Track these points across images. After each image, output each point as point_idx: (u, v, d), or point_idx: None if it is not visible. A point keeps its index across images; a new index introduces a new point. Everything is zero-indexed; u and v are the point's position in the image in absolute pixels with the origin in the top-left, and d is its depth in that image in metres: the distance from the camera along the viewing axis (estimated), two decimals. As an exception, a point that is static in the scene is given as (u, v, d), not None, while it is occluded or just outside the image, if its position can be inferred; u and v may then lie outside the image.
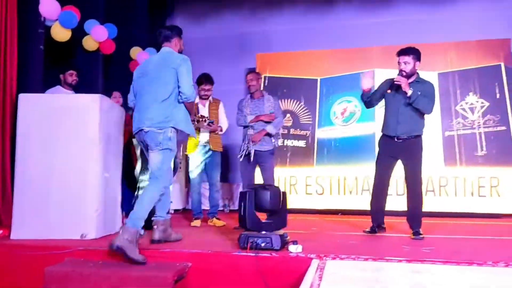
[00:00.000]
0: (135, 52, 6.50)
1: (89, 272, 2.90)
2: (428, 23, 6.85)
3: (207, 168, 5.12)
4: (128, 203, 4.64)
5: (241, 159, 4.81)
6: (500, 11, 6.73)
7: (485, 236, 4.23)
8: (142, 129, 3.45)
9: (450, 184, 6.24)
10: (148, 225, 3.49)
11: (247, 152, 4.74)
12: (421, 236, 3.90)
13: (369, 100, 4.23)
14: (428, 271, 2.70)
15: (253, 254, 2.97)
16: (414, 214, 4.02)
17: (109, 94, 4.92)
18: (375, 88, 4.32)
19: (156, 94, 3.46)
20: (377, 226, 4.18)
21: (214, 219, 5.04)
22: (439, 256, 2.98)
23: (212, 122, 4.88)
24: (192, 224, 4.99)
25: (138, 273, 2.83)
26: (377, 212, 4.19)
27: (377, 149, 4.30)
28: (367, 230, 4.20)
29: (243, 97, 5.00)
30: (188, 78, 3.49)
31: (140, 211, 3.22)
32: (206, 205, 5.43)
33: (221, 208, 6.90)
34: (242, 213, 3.23)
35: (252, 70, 5.17)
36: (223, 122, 5.22)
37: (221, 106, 5.31)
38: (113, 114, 4.06)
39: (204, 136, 5.10)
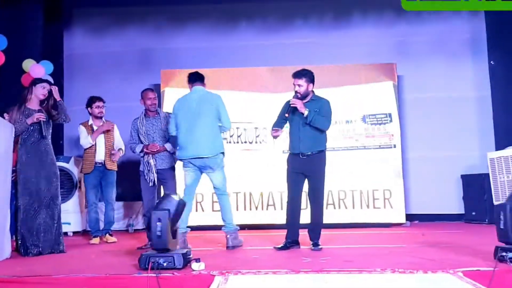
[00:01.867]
0: (28, 64, 6.08)
1: (-32, 305, 2.63)
2: (323, 46, 7.30)
3: (103, 187, 5.29)
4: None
5: (150, 184, 4.68)
6: (387, 38, 7.41)
7: (376, 245, 4.56)
8: (203, 157, 4.27)
9: (348, 197, 6.64)
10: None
11: (153, 178, 4.64)
12: (319, 247, 4.09)
13: (274, 136, 4.32)
14: (324, 280, 2.84)
15: (154, 275, 2.90)
16: (315, 227, 4.20)
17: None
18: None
19: (205, 127, 4.31)
20: (292, 242, 4.17)
21: (107, 235, 5.25)
22: (334, 266, 3.16)
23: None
24: (91, 242, 5.09)
25: (27, 302, 2.61)
26: (292, 228, 4.20)
27: (281, 166, 4.46)
28: (278, 246, 4.16)
29: (137, 116, 4.87)
30: (226, 112, 4.41)
31: (231, 217, 4.42)
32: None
33: (126, 228, 6.65)
34: (158, 234, 3.13)
35: (150, 88, 5.06)
36: (121, 144, 5.44)
37: (115, 128, 5.48)
38: (0, 131, 3.75)
39: (99, 156, 5.24)
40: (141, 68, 7.43)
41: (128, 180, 6.98)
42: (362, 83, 6.83)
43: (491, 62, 7.11)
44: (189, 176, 4.42)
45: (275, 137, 4.31)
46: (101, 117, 5.37)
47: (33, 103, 4.27)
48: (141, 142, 4.73)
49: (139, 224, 6.65)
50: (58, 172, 4.34)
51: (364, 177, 6.65)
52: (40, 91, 4.26)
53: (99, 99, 5.38)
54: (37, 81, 4.40)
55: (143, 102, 4.76)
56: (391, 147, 6.72)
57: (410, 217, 6.79)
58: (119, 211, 6.77)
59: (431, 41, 7.36)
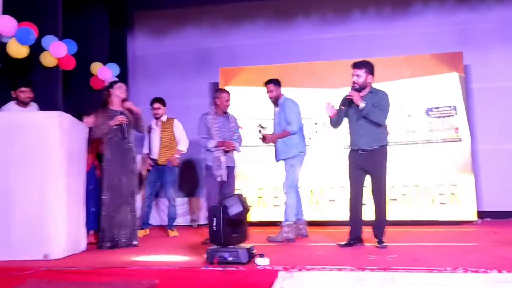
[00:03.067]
0: (96, 67, 6.42)
1: (51, 294, 2.81)
2: (383, 38, 7.09)
3: (162, 185, 5.61)
4: (93, 220, 4.56)
5: (218, 179, 4.73)
6: (450, 26, 7.07)
7: (445, 243, 4.38)
8: None
9: (412, 192, 6.42)
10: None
11: (222, 174, 4.72)
12: (384, 244, 3.99)
13: (336, 121, 4.29)
14: (392, 279, 2.77)
15: (221, 269, 2.96)
16: (379, 224, 4.09)
17: (70, 111, 4.80)
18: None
19: None
20: (355, 239, 4.11)
21: (169, 230, 5.51)
22: (402, 264, 3.06)
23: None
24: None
25: (104, 293, 2.76)
26: (355, 225, 4.14)
27: (342, 161, 4.39)
28: (342, 243, 4.11)
29: (205, 112, 4.94)
30: None
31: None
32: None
33: (190, 223, 6.84)
34: (214, 228, 3.21)
35: (225, 89, 5.16)
36: (183, 141, 5.58)
37: (176, 124, 5.64)
38: (75, 131, 3.99)
39: (154, 152, 5.53)
40: (200, 67, 7.60)
41: (192, 176, 7.22)
42: (425, 75, 6.56)
43: None
44: (301, 169, 4.84)
45: (332, 118, 4.25)
46: (157, 118, 5.61)
47: (115, 105, 4.52)
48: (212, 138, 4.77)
49: (202, 219, 6.81)
50: (137, 170, 4.60)
51: (428, 172, 6.40)
52: (118, 92, 4.52)
53: (155, 100, 5.62)
54: (112, 83, 4.68)
55: (219, 102, 4.81)
56: (457, 141, 6.42)
57: (481, 214, 6.45)
58: (183, 207, 7.00)
59: (496, 28, 6.93)
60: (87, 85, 6.40)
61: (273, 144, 4.95)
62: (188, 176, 6.59)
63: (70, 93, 6.14)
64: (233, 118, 4.95)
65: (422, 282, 2.70)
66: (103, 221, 4.28)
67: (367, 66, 4.13)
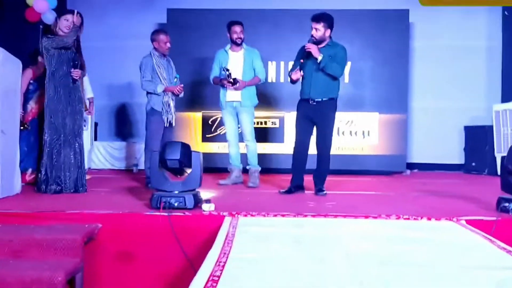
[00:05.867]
0: (31, -3, 5.88)
1: (-14, 237, 2.70)
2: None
3: None
4: (27, 159, 4.38)
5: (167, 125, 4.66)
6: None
7: (378, 192, 4.66)
8: None
9: (349, 143, 6.67)
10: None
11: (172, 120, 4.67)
12: (324, 192, 4.16)
13: (294, 79, 4.22)
14: (331, 224, 2.93)
15: (166, 214, 2.98)
16: (320, 173, 4.24)
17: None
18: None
19: None
20: (296, 187, 4.23)
21: None
22: (339, 211, 3.23)
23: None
24: None
25: (44, 236, 2.69)
26: (296, 174, 4.24)
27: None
28: (282, 191, 4.24)
29: (147, 54, 4.70)
30: None
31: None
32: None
33: (131, 168, 6.72)
34: (153, 173, 3.22)
35: (161, 30, 4.90)
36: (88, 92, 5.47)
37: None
38: (9, 66, 3.70)
39: None
40: (146, 5, 7.20)
41: (130, 120, 7.04)
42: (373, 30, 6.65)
43: (506, 12, 6.90)
44: None
45: (294, 81, 4.21)
46: None
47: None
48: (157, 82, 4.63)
49: (142, 164, 6.68)
50: (83, 110, 4.23)
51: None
52: (64, 24, 4.00)
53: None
54: (63, 12, 4.15)
55: (157, 45, 4.60)
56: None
57: (409, 165, 6.89)
58: (122, 151, 6.87)
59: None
60: (22, 17, 5.88)
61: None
62: (126, 120, 6.38)
63: (2, 25, 5.64)
64: (171, 62, 4.78)
65: (358, 227, 2.87)
66: (46, 162, 3.94)
67: (326, 20, 4.11)
